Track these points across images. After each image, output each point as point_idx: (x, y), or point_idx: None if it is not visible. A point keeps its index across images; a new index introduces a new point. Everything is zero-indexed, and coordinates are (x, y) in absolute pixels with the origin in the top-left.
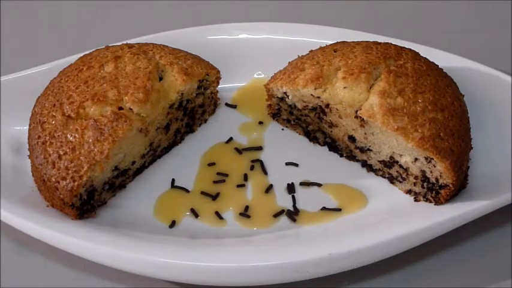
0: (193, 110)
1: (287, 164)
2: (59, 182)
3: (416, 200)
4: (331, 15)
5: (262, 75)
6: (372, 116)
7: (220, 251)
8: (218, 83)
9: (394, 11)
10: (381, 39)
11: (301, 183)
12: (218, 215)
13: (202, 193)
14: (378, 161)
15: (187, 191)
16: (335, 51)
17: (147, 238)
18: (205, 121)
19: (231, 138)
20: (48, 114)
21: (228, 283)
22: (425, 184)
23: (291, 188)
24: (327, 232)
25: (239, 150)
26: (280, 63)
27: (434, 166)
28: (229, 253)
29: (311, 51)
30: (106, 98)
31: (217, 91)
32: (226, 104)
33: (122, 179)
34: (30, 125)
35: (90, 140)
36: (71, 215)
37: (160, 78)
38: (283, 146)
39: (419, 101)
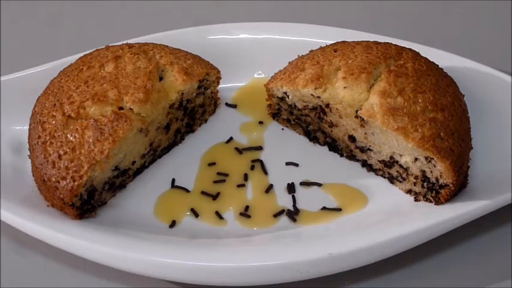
0: (193, 110)
1: (287, 163)
2: (59, 182)
3: (416, 199)
4: (331, 15)
5: (262, 75)
6: (372, 115)
7: (220, 251)
8: (218, 83)
9: (394, 11)
10: (381, 39)
11: (301, 183)
12: (218, 215)
13: (203, 193)
14: (378, 160)
15: (187, 190)
16: (335, 51)
17: (147, 238)
18: (206, 121)
19: (231, 138)
20: (48, 114)
21: (228, 283)
22: (425, 184)
23: (291, 188)
24: (327, 232)
25: (239, 150)
26: (280, 63)
27: (435, 166)
28: (229, 253)
29: (311, 51)
30: (106, 98)
31: (217, 91)
32: (227, 104)
33: (122, 179)
34: (30, 125)
35: (90, 140)
36: (71, 215)
37: (161, 78)
38: (283, 146)
39: (420, 100)
